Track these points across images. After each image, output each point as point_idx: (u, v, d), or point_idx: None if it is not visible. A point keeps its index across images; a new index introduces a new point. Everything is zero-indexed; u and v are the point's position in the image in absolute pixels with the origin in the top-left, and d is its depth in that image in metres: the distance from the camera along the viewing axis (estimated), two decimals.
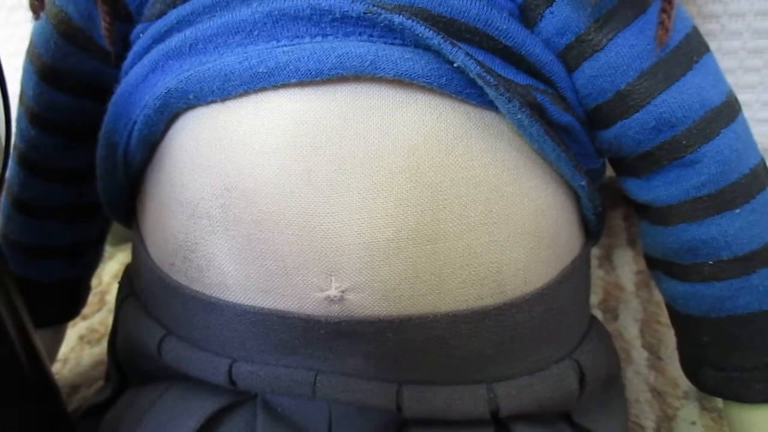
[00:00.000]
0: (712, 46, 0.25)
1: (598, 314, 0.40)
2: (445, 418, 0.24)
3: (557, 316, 0.25)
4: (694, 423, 0.32)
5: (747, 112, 0.25)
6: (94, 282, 0.37)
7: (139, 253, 0.27)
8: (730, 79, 0.25)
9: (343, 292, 0.22)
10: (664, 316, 0.38)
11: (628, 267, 0.44)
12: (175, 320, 0.26)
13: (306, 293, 0.22)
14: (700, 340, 0.26)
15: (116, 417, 0.27)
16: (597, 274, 0.43)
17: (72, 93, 0.29)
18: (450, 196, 0.22)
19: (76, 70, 0.28)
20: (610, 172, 0.27)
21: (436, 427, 0.24)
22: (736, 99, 0.24)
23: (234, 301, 0.24)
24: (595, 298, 0.41)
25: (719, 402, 0.33)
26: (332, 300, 0.22)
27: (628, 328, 0.38)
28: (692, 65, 0.23)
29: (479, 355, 0.24)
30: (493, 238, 0.23)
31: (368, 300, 0.22)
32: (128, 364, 0.29)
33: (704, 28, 0.24)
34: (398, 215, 0.22)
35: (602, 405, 0.27)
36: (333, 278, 0.22)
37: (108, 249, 0.49)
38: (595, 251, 0.45)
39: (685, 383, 0.34)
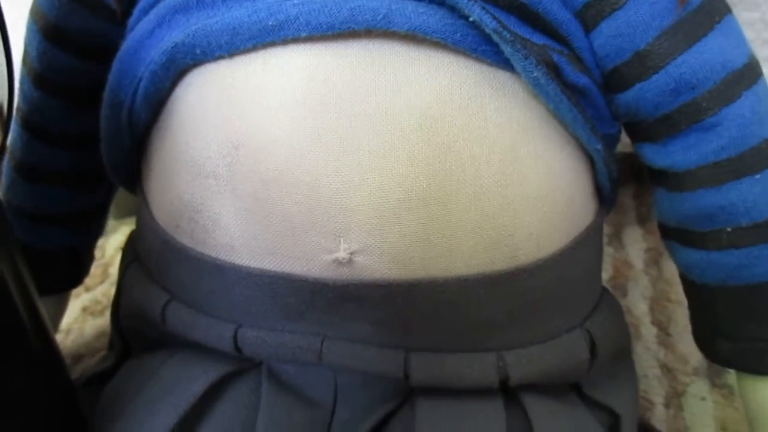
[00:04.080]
0: None
1: None
2: (454, 386, 0.24)
3: (569, 283, 0.24)
4: (704, 399, 0.32)
5: None
6: (97, 254, 0.36)
7: (144, 216, 0.27)
8: None
9: (351, 254, 0.22)
10: (674, 293, 0.38)
11: (637, 245, 0.44)
12: (180, 285, 0.25)
13: (314, 255, 0.22)
14: (714, 310, 0.25)
15: (119, 384, 0.27)
16: (606, 251, 0.43)
17: (76, 54, 0.28)
18: (463, 156, 0.21)
19: (80, 29, 0.28)
20: (619, 147, 0.26)
21: (443, 397, 0.24)
22: (757, 62, 0.24)
23: (240, 264, 0.23)
24: (604, 275, 0.41)
25: (729, 378, 0.32)
26: (340, 262, 0.22)
27: (638, 304, 0.38)
28: (714, 26, 0.23)
29: (489, 321, 0.23)
30: (506, 201, 0.22)
31: (377, 263, 0.22)
32: (132, 331, 0.29)
33: None
34: (409, 175, 0.21)
35: (612, 378, 0.27)
36: (341, 240, 0.22)
37: (112, 222, 0.49)
38: (605, 229, 0.45)
39: (694, 359, 0.33)
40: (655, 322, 0.37)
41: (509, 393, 0.24)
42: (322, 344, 0.23)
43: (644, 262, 0.42)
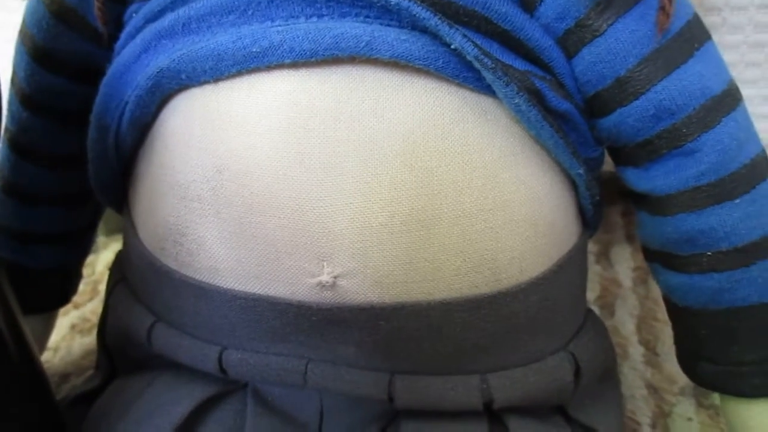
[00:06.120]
0: (713, 39, 0.24)
1: (595, 310, 0.39)
2: (438, 408, 0.24)
3: (553, 306, 0.24)
4: (690, 419, 0.32)
5: (748, 108, 0.24)
6: (86, 271, 0.36)
7: (130, 238, 0.27)
8: (731, 74, 0.24)
9: (335, 278, 0.22)
10: (661, 313, 0.38)
11: (625, 263, 0.44)
12: (165, 306, 0.25)
13: (298, 279, 0.22)
14: (697, 333, 0.25)
15: (105, 405, 0.27)
16: (594, 270, 0.43)
17: (64, 75, 0.28)
18: (445, 181, 0.22)
19: (68, 51, 0.28)
20: (607, 167, 0.27)
21: (428, 419, 0.24)
22: (737, 88, 0.24)
23: (225, 287, 0.23)
24: (592, 294, 0.41)
25: (715, 398, 0.32)
26: (324, 286, 0.22)
27: (625, 324, 0.38)
28: (693, 52, 0.23)
29: (473, 344, 0.23)
30: (489, 225, 0.22)
31: (361, 286, 0.22)
32: (118, 352, 0.29)
33: (706, 20, 0.24)
34: (392, 200, 0.21)
35: (598, 399, 0.27)
36: (325, 264, 0.22)
37: (102, 239, 0.49)
38: (592, 247, 0.45)
39: (681, 379, 0.33)
40: (643, 342, 0.37)
41: (494, 415, 0.24)
42: (306, 367, 0.23)
43: (632, 280, 0.42)
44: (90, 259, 0.36)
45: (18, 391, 0.24)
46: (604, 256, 0.45)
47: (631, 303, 0.40)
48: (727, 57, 0.25)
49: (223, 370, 0.24)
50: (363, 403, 0.24)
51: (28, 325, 0.25)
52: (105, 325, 0.29)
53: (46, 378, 0.26)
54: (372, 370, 0.23)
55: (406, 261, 0.22)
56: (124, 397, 0.26)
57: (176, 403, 0.25)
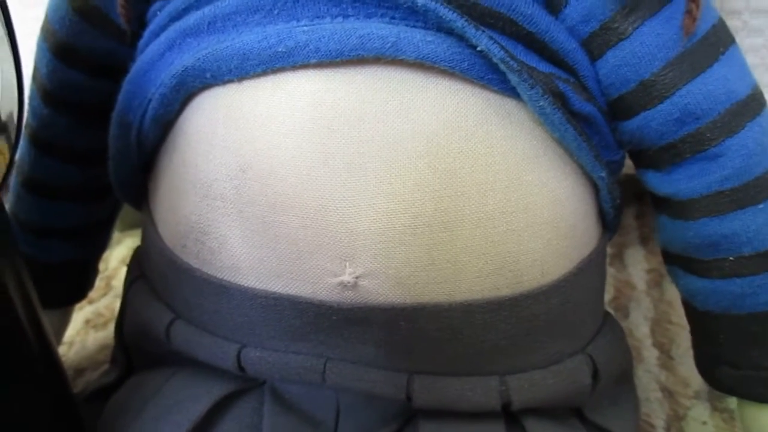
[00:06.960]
0: None
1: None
2: (456, 409, 0.24)
3: (573, 309, 0.24)
4: (705, 423, 0.31)
5: None
6: (101, 266, 0.36)
7: (150, 235, 0.27)
8: None
9: (356, 278, 0.22)
10: (676, 316, 0.38)
11: (639, 266, 0.44)
12: (185, 304, 0.25)
13: (319, 278, 0.22)
14: (717, 337, 0.25)
15: (121, 400, 0.27)
16: (608, 272, 0.43)
17: (86, 71, 0.28)
18: (468, 183, 0.22)
19: (90, 48, 0.28)
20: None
21: (446, 419, 0.24)
22: (761, 92, 0.24)
23: (245, 285, 0.23)
24: (606, 297, 0.40)
25: (730, 402, 0.32)
26: (345, 286, 0.22)
27: (639, 326, 0.38)
28: (719, 56, 0.23)
29: (493, 346, 0.23)
30: (511, 227, 0.22)
31: (382, 287, 0.22)
32: (135, 348, 0.29)
33: (726, 24, 0.24)
34: (415, 201, 0.21)
35: (614, 402, 0.27)
36: (347, 264, 0.22)
37: (116, 234, 0.49)
38: (606, 249, 0.45)
39: (696, 383, 0.33)
40: (657, 345, 0.36)
41: (511, 417, 0.24)
42: (325, 366, 0.23)
43: (646, 283, 0.42)
44: (104, 254, 0.36)
45: (37, 384, 0.24)
46: (617, 258, 0.45)
47: (645, 306, 0.40)
48: (748, 60, 0.25)
49: (241, 368, 0.24)
50: (380, 403, 0.24)
51: (47, 319, 0.25)
52: (123, 321, 0.29)
53: (64, 371, 0.26)
54: (391, 369, 0.23)
55: (428, 262, 0.22)
56: (142, 393, 0.26)
57: (195, 400, 0.25)
